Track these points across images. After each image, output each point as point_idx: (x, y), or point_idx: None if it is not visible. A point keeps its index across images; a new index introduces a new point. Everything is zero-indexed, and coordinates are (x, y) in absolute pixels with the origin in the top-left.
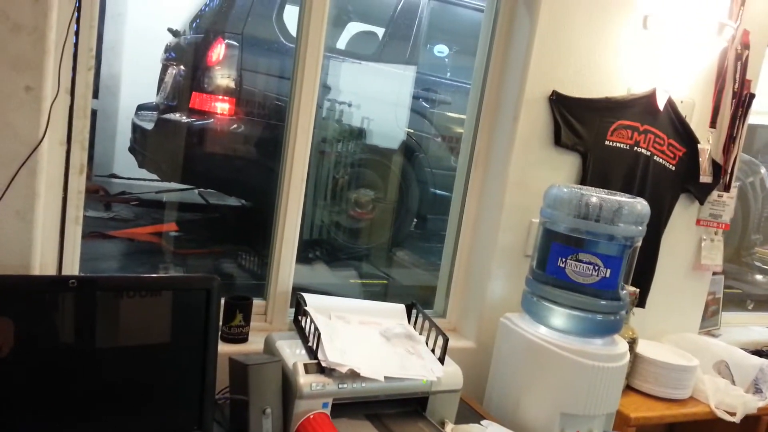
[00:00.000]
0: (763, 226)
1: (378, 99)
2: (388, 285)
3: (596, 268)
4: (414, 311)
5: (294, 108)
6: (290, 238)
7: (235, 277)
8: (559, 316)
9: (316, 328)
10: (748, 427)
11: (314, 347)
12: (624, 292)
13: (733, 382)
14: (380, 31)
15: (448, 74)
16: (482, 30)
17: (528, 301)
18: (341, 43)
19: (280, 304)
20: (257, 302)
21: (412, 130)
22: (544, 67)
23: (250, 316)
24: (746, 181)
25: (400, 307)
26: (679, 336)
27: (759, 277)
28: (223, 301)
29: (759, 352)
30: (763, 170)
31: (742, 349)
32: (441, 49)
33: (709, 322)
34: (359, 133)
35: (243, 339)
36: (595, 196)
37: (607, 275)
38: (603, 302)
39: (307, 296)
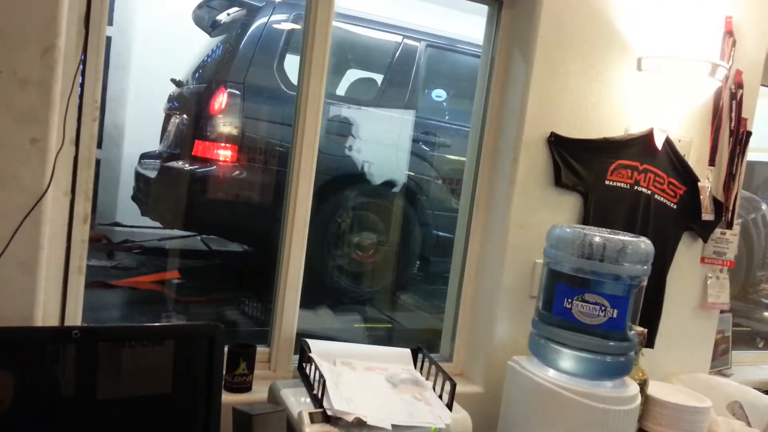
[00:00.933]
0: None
1: (378, 143)
2: (393, 329)
3: (603, 308)
4: (420, 356)
5: (296, 154)
6: (294, 283)
7: (239, 324)
8: (568, 359)
9: (321, 376)
10: None
11: (319, 395)
12: (632, 332)
13: (749, 424)
14: (379, 78)
15: (447, 118)
16: (479, 75)
17: (535, 343)
18: (341, 89)
19: (284, 350)
20: (261, 350)
21: (412, 173)
22: (541, 109)
23: (254, 364)
24: (748, 217)
25: (406, 352)
26: (690, 376)
27: (767, 314)
28: (226, 349)
29: None
30: (764, 206)
31: (755, 388)
32: (439, 94)
33: (719, 361)
34: (360, 177)
35: (247, 388)
36: (599, 235)
37: (614, 315)
38: (611, 343)
39: (311, 342)
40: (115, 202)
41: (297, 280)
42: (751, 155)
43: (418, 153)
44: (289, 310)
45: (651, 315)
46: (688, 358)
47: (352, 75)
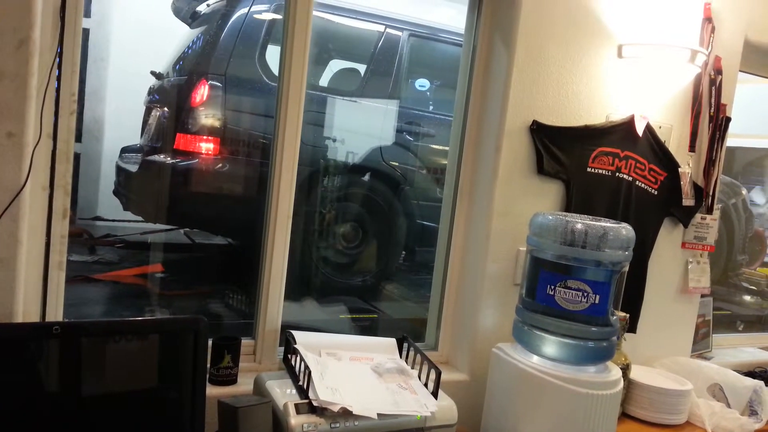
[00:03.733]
0: (748, 247)
1: (362, 133)
2: (379, 319)
3: (585, 294)
4: (405, 345)
5: (278, 146)
6: (278, 275)
7: (223, 317)
8: (551, 345)
9: (306, 367)
10: None
11: (305, 386)
12: (614, 317)
13: (729, 405)
14: (362, 68)
15: (431, 107)
16: (461, 64)
17: (519, 330)
18: (324, 81)
19: (269, 342)
20: (246, 342)
21: (397, 163)
22: (523, 98)
23: (239, 357)
24: (729, 202)
25: (391, 342)
26: (671, 360)
27: (747, 297)
28: (210, 342)
29: (752, 374)
30: (744, 191)
31: (735, 371)
32: (422, 83)
33: (700, 345)
34: (345, 168)
35: (232, 380)
36: (581, 222)
37: (596, 301)
38: (594, 329)
39: (296, 334)
40: (96, 196)
41: (281, 272)
42: (731, 141)
43: (402, 143)
44: (274, 302)
45: (633, 300)
46: (669, 342)
47: (335, 66)
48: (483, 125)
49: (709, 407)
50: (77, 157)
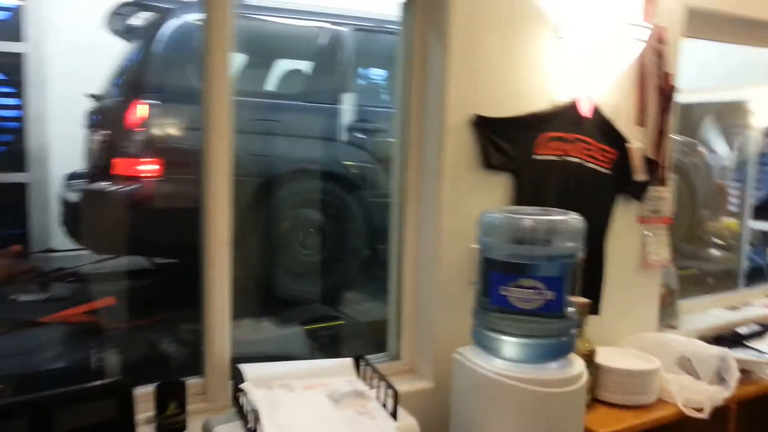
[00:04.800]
0: (710, 202)
1: (312, 137)
2: (345, 325)
3: (539, 291)
4: (362, 362)
5: (208, 171)
6: (220, 308)
7: (175, 350)
8: (510, 346)
9: (253, 408)
10: (719, 419)
11: (254, 428)
12: (571, 309)
13: (698, 377)
14: (307, 69)
15: (386, 98)
16: (398, 62)
17: (477, 333)
18: (270, 85)
19: (218, 379)
20: (194, 382)
21: (351, 162)
22: (463, 92)
23: (185, 401)
24: (687, 160)
25: (347, 362)
26: (638, 337)
27: (714, 251)
28: (155, 387)
29: (720, 339)
30: (701, 148)
31: (703, 336)
32: (378, 73)
33: (667, 315)
34: (297, 174)
35: (180, 429)
36: (528, 218)
37: (551, 297)
38: (551, 325)
39: (245, 369)
40: (47, 226)
41: (223, 304)
42: (686, 97)
43: (354, 142)
44: (220, 336)
45: (594, 283)
46: (635, 318)
47: (279, 69)
48: (424, 123)
49: (678, 382)
50: (25, 186)
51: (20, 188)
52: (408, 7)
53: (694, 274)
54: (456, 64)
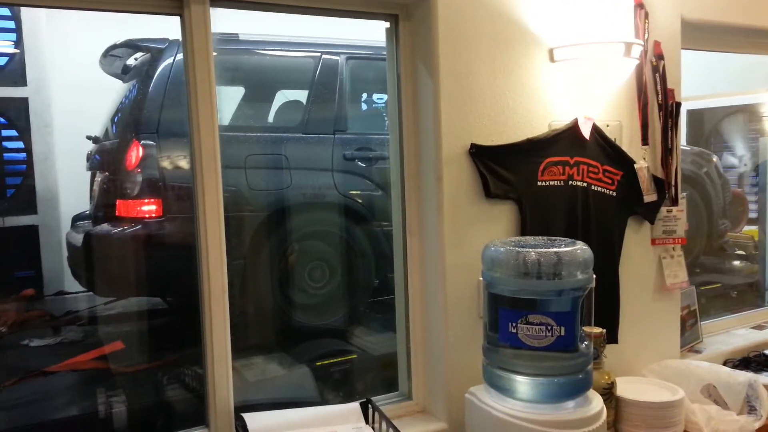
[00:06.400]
0: (729, 211)
1: (313, 168)
2: (359, 359)
3: (549, 328)
4: (370, 407)
5: (200, 219)
6: (222, 357)
7: (183, 392)
8: (523, 386)
9: None
10: None
11: None
12: (585, 344)
13: (726, 405)
14: (304, 100)
15: (386, 119)
16: (389, 96)
17: (489, 373)
18: (271, 118)
19: (223, 430)
20: None
21: (356, 192)
22: (457, 122)
23: None
24: (701, 172)
25: (355, 408)
26: (660, 365)
27: (736, 263)
28: None
29: (747, 360)
30: (714, 158)
31: (729, 359)
32: (380, 96)
33: (689, 336)
34: (301, 207)
35: None
36: (533, 251)
37: (562, 333)
38: (565, 363)
39: (248, 418)
40: (60, 268)
41: (224, 352)
42: (694, 104)
43: (356, 171)
44: (221, 384)
45: (609, 310)
46: (655, 344)
47: (277, 101)
48: (420, 156)
49: (704, 412)
50: (36, 228)
51: (31, 230)
52: (392, 34)
53: (716, 288)
54: (447, 91)
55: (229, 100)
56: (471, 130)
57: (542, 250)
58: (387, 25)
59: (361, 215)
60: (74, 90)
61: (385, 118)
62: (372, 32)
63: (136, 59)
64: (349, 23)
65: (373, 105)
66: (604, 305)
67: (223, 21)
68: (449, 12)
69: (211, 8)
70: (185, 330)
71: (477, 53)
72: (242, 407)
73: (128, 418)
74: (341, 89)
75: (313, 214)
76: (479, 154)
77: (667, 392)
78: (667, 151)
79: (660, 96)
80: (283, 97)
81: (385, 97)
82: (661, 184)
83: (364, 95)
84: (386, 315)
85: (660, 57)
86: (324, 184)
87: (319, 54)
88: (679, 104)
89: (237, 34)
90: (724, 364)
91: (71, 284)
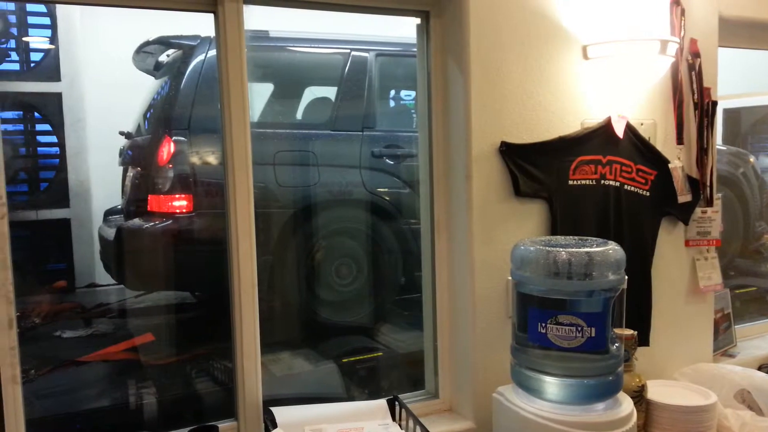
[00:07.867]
0: (765, 213)
1: (341, 165)
2: (385, 356)
3: (579, 329)
4: (397, 404)
5: (231, 215)
6: (251, 351)
7: (216, 383)
8: (552, 387)
9: None
10: None
11: None
12: (616, 346)
13: (760, 411)
14: (333, 97)
15: (414, 116)
16: (418, 93)
17: (517, 373)
18: (299, 114)
19: (252, 422)
20: (228, 425)
21: (384, 189)
22: (487, 119)
23: None
24: (737, 172)
25: (382, 404)
26: (692, 369)
27: None
28: None
29: None
30: (752, 158)
31: (763, 364)
32: (408, 93)
33: (723, 340)
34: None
35: None
36: (564, 251)
37: (593, 334)
38: (595, 364)
39: (277, 411)
40: (92, 261)
41: (254, 346)
42: (731, 102)
43: (385, 168)
44: (251, 378)
45: (641, 312)
46: (688, 348)
47: (306, 98)
48: (450, 154)
49: (738, 418)
50: (68, 222)
51: (64, 224)
52: (422, 30)
53: (751, 291)
54: (478, 89)
55: (258, 96)
56: (501, 128)
57: (573, 249)
58: (418, 21)
59: (388, 213)
60: (107, 86)
61: (414, 116)
62: (401, 28)
63: (168, 56)
64: (378, 19)
65: (402, 102)
66: (636, 307)
67: (255, 18)
68: (481, 8)
69: (244, 5)
70: (213, 324)
71: (509, 50)
72: (269, 401)
73: (158, 410)
74: (370, 86)
75: (341, 211)
76: (509, 152)
77: (699, 396)
78: (703, 150)
79: (696, 94)
80: (311, 94)
81: (413, 93)
82: (695, 185)
83: (393, 92)
84: (413, 313)
85: (696, 55)
86: (351, 181)
87: (348, 51)
88: (715, 103)
89: (267, 31)
90: (759, 369)
91: (102, 277)
